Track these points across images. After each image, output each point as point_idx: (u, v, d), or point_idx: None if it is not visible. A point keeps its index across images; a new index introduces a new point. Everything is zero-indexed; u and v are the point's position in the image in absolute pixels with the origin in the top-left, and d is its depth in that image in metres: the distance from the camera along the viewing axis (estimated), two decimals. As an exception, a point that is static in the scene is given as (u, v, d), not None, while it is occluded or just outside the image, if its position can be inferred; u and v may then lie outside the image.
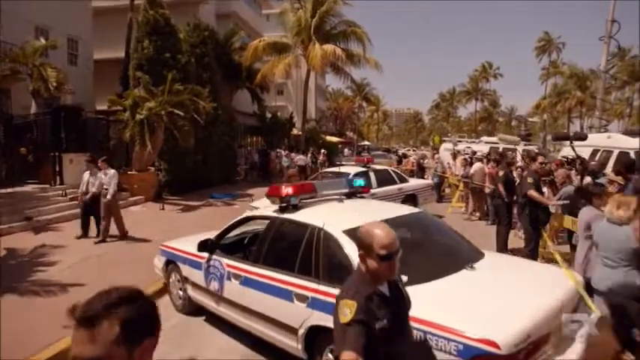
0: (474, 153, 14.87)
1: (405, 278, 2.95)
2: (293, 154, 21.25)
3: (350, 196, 4.75)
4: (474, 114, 77.97)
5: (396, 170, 12.03)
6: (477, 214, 11.91)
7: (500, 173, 7.87)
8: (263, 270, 3.96)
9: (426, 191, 11.73)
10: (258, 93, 25.95)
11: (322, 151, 22.13)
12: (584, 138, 8.80)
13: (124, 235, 8.97)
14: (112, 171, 8.93)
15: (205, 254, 4.68)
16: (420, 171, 15.64)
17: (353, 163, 11.32)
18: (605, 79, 15.20)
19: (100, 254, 7.90)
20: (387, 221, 3.95)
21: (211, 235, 5.51)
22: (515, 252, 7.94)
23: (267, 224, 4.29)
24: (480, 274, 3.42)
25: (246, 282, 4.07)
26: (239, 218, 4.88)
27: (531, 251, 6.22)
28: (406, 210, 4.30)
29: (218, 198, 14.93)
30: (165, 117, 12.78)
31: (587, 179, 7.92)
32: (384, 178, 10.79)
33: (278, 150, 21.76)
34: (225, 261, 4.45)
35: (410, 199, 11.01)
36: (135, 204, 12.75)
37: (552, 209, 6.64)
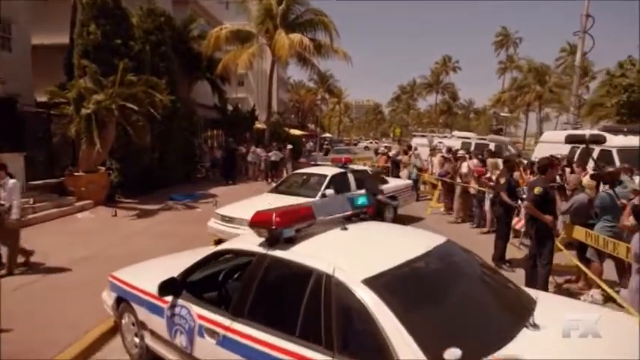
0: (450, 149, 14.29)
1: (458, 354, 2.08)
2: (259, 150, 20.07)
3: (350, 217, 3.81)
4: (435, 106, 78.81)
5: (375, 170, 11.19)
6: (454, 213, 11.27)
7: (502, 180, 7.15)
8: (249, 329, 2.94)
9: (407, 192, 10.99)
10: (219, 84, 24.46)
11: (288, 146, 21.05)
12: (602, 141, 8.25)
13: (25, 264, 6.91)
14: (12, 181, 6.60)
15: (168, 298, 3.61)
16: (395, 168, 14.90)
17: (329, 163, 10.38)
18: (579, 74, 14.96)
19: (22, 285, 6.54)
20: (412, 263, 3.07)
21: (175, 261, 4.46)
22: (512, 262, 7.29)
23: (253, 263, 3.25)
24: (547, 335, 2.56)
25: (226, 343, 3.04)
26: (211, 253, 3.79)
27: (545, 266, 5.50)
28: (428, 240, 3.37)
29: (178, 200, 13.62)
30: (116, 111, 11.35)
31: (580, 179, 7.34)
32: (363, 180, 9.92)
33: (254, 148, 20.45)
34: (196, 309, 3.39)
35: (390, 200, 10.22)
36: (82, 209, 11.29)
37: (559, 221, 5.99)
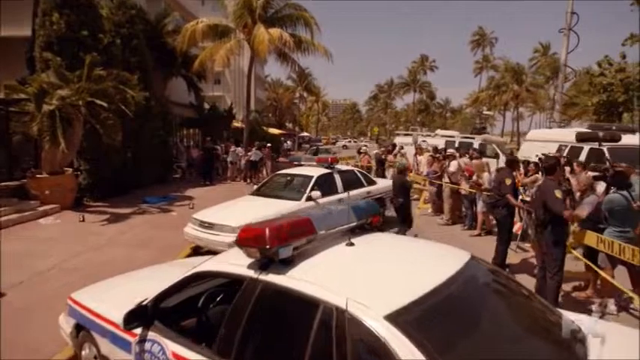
0: (437, 148, 13.92)
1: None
2: (239, 149, 19.33)
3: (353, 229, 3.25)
4: (413, 105, 79.15)
5: (362, 171, 10.68)
6: (444, 216, 10.86)
7: (508, 181, 6.71)
8: (239, 374, 2.35)
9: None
10: (195, 81, 23.59)
11: (267, 145, 20.38)
12: (617, 139, 7.88)
13: None
14: None
15: (137, 330, 2.98)
16: (379, 167, 14.41)
17: (314, 163, 9.81)
18: (565, 72, 14.78)
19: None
20: (441, 291, 2.22)
21: (145, 281, 3.82)
22: (510, 266, 6.89)
23: (242, 289, 2.64)
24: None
25: (210, 391, 2.44)
26: (189, 275, 3.07)
27: (553, 277, 5.06)
28: (452, 258, 2.81)
29: (152, 203, 12.84)
30: (83, 108, 10.51)
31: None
32: (351, 181, 9.40)
33: (235, 147, 19.66)
34: (171, 346, 2.77)
35: (378, 203, 9.69)
36: (46, 214, 10.41)
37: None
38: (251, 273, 2.58)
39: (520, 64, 48.18)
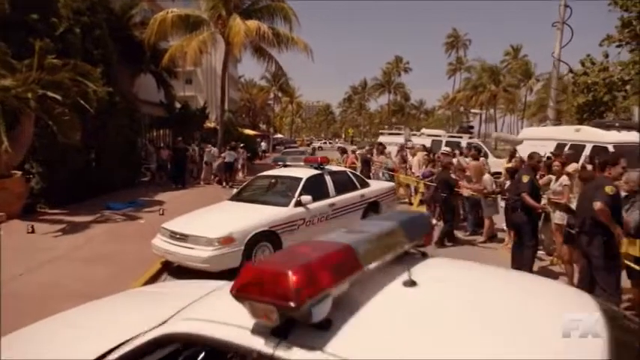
0: (428, 149, 13.08)
1: None
2: (214, 149, 18.06)
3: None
4: (388, 106, 78.98)
5: (354, 172, 9.67)
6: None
7: (525, 178, 5.83)
8: None
9: (390, 196, 9.54)
10: (165, 78, 22.14)
11: (241, 145, 19.21)
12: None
13: None
14: None
15: None
16: (365, 168, 13.45)
17: (301, 163, 8.71)
18: (558, 68, 14.21)
19: None
20: None
21: (88, 330, 2.68)
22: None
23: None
24: None
25: None
26: (152, 340, 1.86)
27: (611, 296, 4.14)
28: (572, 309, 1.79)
29: (117, 209, 11.48)
30: (33, 102, 9.13)
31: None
32: (343, 183, 8.38)
33: (211, 147, 18.36)
34: None
35: (372, 207, 8.75)
36: (-11, 225, 8.97)
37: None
38: (260, 344, 1.49)
39: (497, 66, 48.45)
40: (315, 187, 7.62)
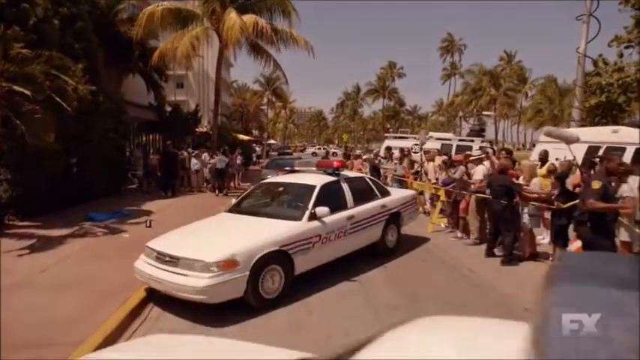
0: (444, 153, 11.93)
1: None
2: (205, 154, 16.79)
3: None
4: (383, 112, 78.05)
5: (373, 178, 8.45)
6: (471, 234, 8.77)
7: (596, 185, 4.68)
8: None
9: (412, 206, 8.34)
10: (155, 79, 20.86)
11: (239, 151, 17.97)
12: None
13: None
14: None
15: None
16: (374, 175, 12.22)
17: (313, 168, 7.44)
18: (584, 65, 13.18)
19: None
20: None
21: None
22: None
23: None
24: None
25: None
26: None
27: None
28: None
29: (99, 220, 10.20)
30: (-2, 97, 7.84)
31: None
32: (362, 192, 7.17)
33: (200, 152, 17.09)
34: None
35: (393, 219, 7.55)
36: (-56, 242, 7.61)
37: None
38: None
39: (497, 70, 47.68)
40: (331, 197, 6.40)
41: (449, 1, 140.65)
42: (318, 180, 6.55)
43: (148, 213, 11.61)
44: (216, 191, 15.58)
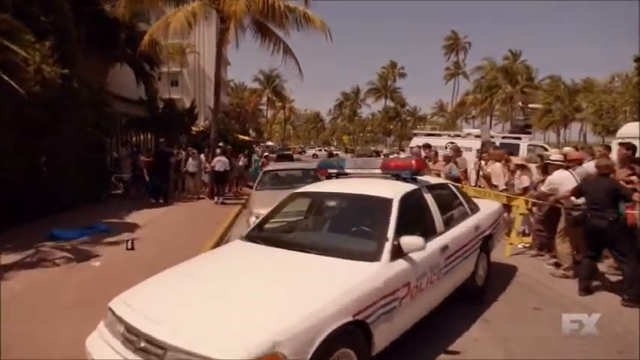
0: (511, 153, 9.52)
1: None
2: (202, 156, 14.35)
3: None
4: (385, 112, 75.76)
5: (456, 185, 5.97)
6: (562, 261, 6.30)
7: None
8: None
9: (500, 224, 5.90)
10: (146, 69, 18.37)
11: (245, 151, 15.57)
12: None
13: None
14: None
15: None
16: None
17: (378, 169, 4.79)
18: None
19: None
20: None
21: None
22: None
23: None
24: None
25: None
26: None
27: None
28: None
29: (65, 239, 7.74)
30: None
31: None
32: (450, 207, 4.73)
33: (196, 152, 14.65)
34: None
35: (485, 244, 5.12)
36: None
37: None
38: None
39: (512, 65, 45.31)
40: (414, 217, 3.97)
41: (447, 1, 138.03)
42: (392, 190, 4.09)
43: (133, 227, 9.16)
44: (215, 198, 13.10)
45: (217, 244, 8.06)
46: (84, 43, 13.33)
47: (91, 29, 14.09)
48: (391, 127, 69.69)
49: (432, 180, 5.08)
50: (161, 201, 12.64)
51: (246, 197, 13.35)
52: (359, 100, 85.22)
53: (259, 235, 4.22)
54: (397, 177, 4.50)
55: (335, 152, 55.35)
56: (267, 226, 4.46)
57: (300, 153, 60.69)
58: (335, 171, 4.89)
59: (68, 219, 9.63)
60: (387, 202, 3.85)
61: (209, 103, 43.30)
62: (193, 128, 25.59)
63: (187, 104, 27.06)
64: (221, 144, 15.28)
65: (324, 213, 4.46)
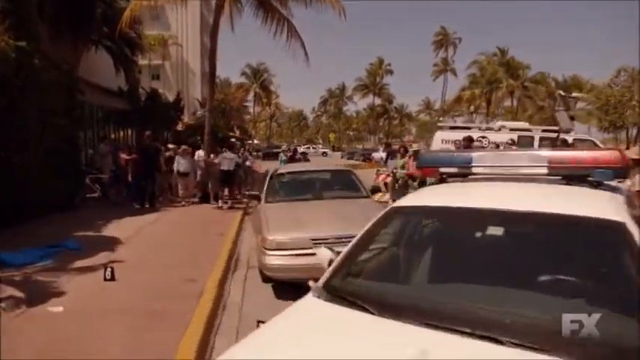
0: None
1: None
2: (200, 152, 12.20)
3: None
4: (372, 109, 74.13)
5: None
6: None
7: None
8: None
9: None
10: (125, 54, 16.10)
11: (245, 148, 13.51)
12: None
13: None
14: None
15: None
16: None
17: (541, 166, 2.86)
18: None
19: None
20: None
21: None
22: None
23: None
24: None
25: None
26: None
27: None
28: None
29: (17, 265, 5.63)
30: None
31: None
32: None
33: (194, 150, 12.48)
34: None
35: None
36: None
37: None
38: None
39: (513, 58, 43.93)
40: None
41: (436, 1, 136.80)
42: (609, 206, 2.16)
43: (112, 243, 7.07)
44: (219, 202, 10.96)
45: (227, 267, 6.10)
46: (51, 16, 11.15)
47: (60, 6, 11.88)
48: (379, 124, 67.93)
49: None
50: (147, 206, 10.52)
51: (246, 202, 11.29)
52: (344, 98, 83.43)
53: (348, 290, 2.19)
54: (569, 180, 2.56)
55: (323, 151, 53.12)
56: (363, 273, 2.46)
57: (293, 152, 58.09)
58: (454, 170, 2.92)
59: (28, 233, 7.51)
60: (617, 231, 1.92)
61: (193, 98, 40.92)
62: (180, 123, 23.40)
63: (170, 99, 24.68)
64: (238, 142, 13.26)
65: (474, 249, 2.43)
